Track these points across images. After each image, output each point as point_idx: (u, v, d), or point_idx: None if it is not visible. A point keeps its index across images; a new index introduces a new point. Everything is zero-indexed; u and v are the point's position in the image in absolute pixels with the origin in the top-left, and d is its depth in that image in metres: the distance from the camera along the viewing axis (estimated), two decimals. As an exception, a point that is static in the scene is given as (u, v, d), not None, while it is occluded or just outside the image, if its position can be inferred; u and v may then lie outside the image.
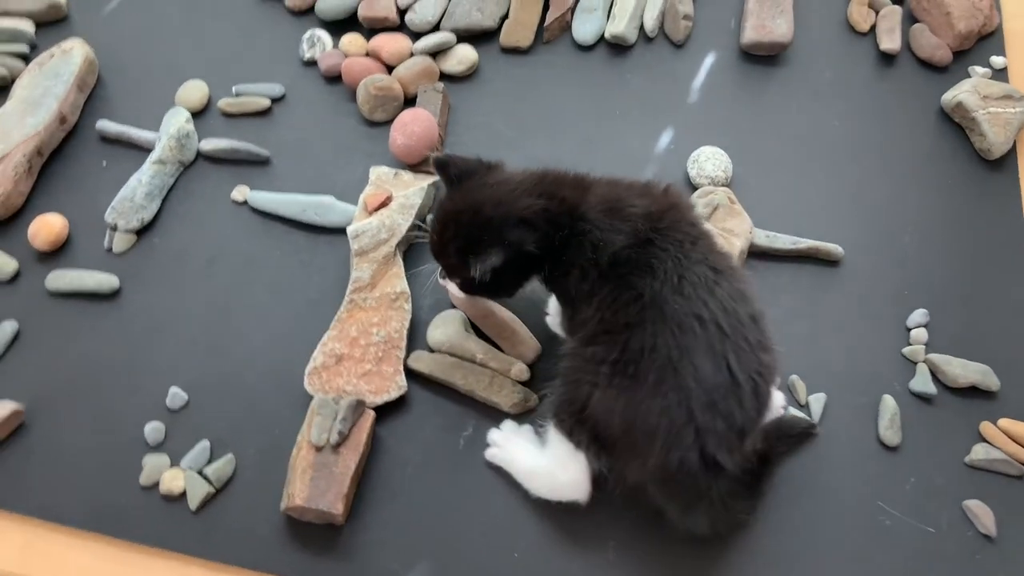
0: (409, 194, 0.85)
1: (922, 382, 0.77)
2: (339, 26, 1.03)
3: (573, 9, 1.03)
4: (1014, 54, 1.00)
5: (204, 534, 0.72)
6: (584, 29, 1.02)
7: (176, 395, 0.78)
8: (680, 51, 1.01)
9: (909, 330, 0.80)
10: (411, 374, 0.78)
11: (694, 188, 0.90)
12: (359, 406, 0.74)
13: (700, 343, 0.61)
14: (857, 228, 0.87)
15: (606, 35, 1.01)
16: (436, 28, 1.02)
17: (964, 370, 0.77)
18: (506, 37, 1.01)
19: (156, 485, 0.74)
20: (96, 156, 0.94)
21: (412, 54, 0.99)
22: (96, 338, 0.82)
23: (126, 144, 0.95)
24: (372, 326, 0.79)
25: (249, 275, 0.86)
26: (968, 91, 0.92)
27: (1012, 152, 0.91)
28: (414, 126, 0.88)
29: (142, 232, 0.89)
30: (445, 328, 0.80)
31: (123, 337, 0.82)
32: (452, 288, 0.75)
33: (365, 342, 0.78)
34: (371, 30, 1.02)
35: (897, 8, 1.01)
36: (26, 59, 1.01)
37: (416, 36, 1.01)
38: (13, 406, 0.76)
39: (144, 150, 0.94)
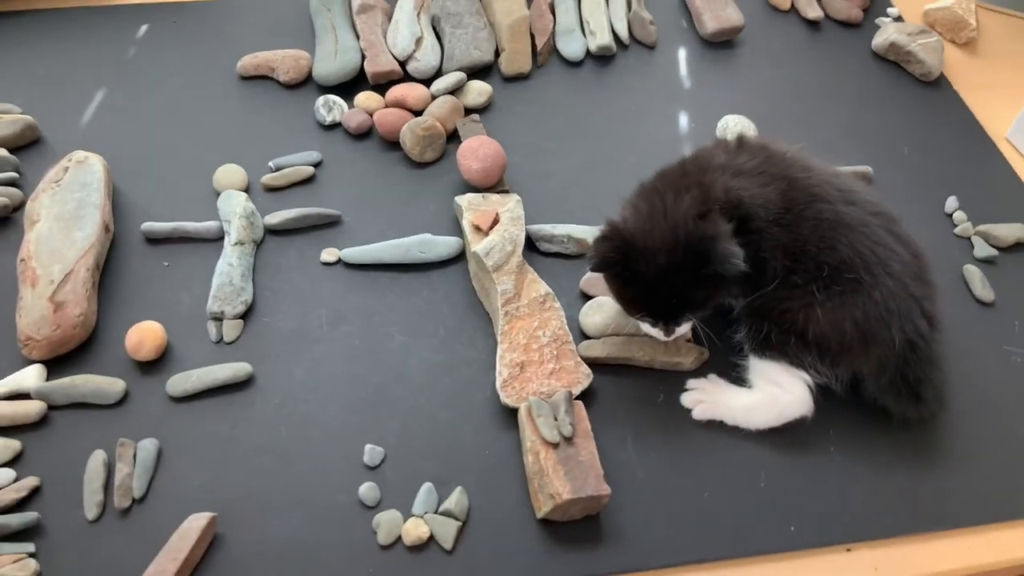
0: (511, 208, 0.88)
1: (983, 249, 0.92)
2: (337, 90, 1.04)
3: (553, 33, 1.12)
4: (900, 3, 1.23)
5: (469, 568, 0.69)
6: (571, 48, 1.11)
7: (373, 451, 0.75)
8: (655, 51, 1.14)
9: (950, 215, 0.96)
10: (587, 363, 0.80)
11: (730, 152, 1.01)
12: (570, 397, 0.75)
13: (884, 234, 0.71)
14: (860, 154, 1.02)
15: (591, 49, 1.11)
16: (439, 72, 1.06)
17: (1008, 231, 0.93)
18: (508, 66, 1.08)
19: (398, 540, 0.70)
20: (145, 259, 0.88)
21: (433, 97, 1.03)
22: (251, 427, 0.76)
23: (178, 241, 0.89)
24: (536, 330, 0.81)
25: (378, 324, 0.84)
26: (895, 33, 1.12)
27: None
28: (484, 150, 0.92)
29: (246, 315, 0.84)
30: (601, 313, 0.83)
31: (279, 417, 0.77)
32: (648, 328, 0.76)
33: (537, 345, 0.80)
34: (376, 86, 1.05)
35: (806, -15, 1.21)
36: (14, 184, 0.92)
37: (422, 82, 1.05)
38: (207, 516, 0.69)
39: (203, 241, 0.89)
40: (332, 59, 1.05)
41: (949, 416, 0.78)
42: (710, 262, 0.69)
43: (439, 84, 1.04)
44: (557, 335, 0.81)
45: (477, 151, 0.92)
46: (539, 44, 1.10)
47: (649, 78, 1.10)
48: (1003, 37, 1.20)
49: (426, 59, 1.06)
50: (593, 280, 0.86)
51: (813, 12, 1.18)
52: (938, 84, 1.12)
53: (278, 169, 0.96)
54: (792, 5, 1.21)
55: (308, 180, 0.96)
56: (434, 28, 1.12)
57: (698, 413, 0.78)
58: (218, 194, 0.92)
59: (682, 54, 1.14)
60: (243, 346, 0.82)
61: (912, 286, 0.71)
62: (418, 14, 1.11)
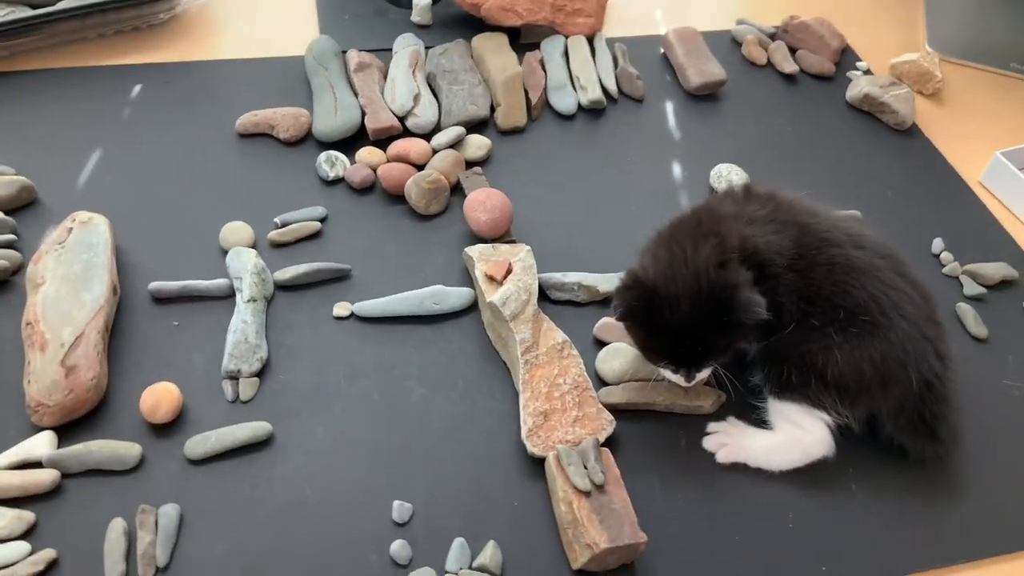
0: (522, 257, 0.90)
1: (971, 287, 0.96)
2: (338, 146, 1.05)
3: (546, 88, 1.15)
4: (868, 58, 1.29)
5: (509, 623, 0.68)
6: (564, 103, 1.14)
7: (401, 507, 0.74)
8: (643, 104, 1.18)
9: (937, 256, 1.00)
10: (608, 409, 0.81)
11: (725, 200, 1.04)
12: (598, 444, 0.76)
13: (894, 276, 0.74)
14: (846, 200, 1.06)
15: (583, 103, 1.15)
16: (438, 127, 1.08)
17: (994, 269, 0.97)
18: (504, 120, 1.11)
19: (434, 597, 0.69)
20: (154, 320, 0.86)
21: (434, 151, 1.04)
22: (273, 487, 0.75)
23: (187, 300, 0.88)
24: (556, 377, 0.81)
25: (396, 378, 0.84)
26: (867, 85, 1.18)
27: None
28: (492, 202, 0.94)
29: (262, 373, 0.82)
30: (619, 358, 0.84)
31: (302, 476, 0.76)
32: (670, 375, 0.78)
33: (559, 393, 0.80)
34: (376, 141, 1.06)
35: (781, 42, 1.27)
36: (12, 247, 0.90)
37: (421, 137, 1.06)
38: (236, 580, 0.67)
39: (213, 299, 0.88)
40: (332, 116, 1.06)
41: (959, 449, 0.80)
42: (733, 310, 0.71)
43: (439, 138, 1.05)
44: (577, 382, 0.81)
45: (484, 203, 0.94)
46: (533, 99, 1.13)
47: (640, 130, 1.14)
48: (966, 88, 1.27)
49: (425, 115, 1.07)
50: (607, 326, 0.88)
51: (789, 67, 1.24)
52: (911, 133, 1.18)
53: (284, 225, 0.96)
54: (768, 61, 1.26)
55: (315, 235, 0.96)
56: (430, 85, 1.14)
57: (722, 456, 0.79)
58: (225, 252, 0.92)
59: (669, 107, 1.18)
60: (261, 405, 0.80)
61: (925, 327, 0.74)
62: (413, 72, 1.13)
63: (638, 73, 1.19)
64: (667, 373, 0.78)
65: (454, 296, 0.89)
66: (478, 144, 1.07)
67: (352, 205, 1.00)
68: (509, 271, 0.88)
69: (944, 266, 0.99)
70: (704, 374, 0.77)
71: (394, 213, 1.00)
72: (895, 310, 0.73)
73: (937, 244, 1.01)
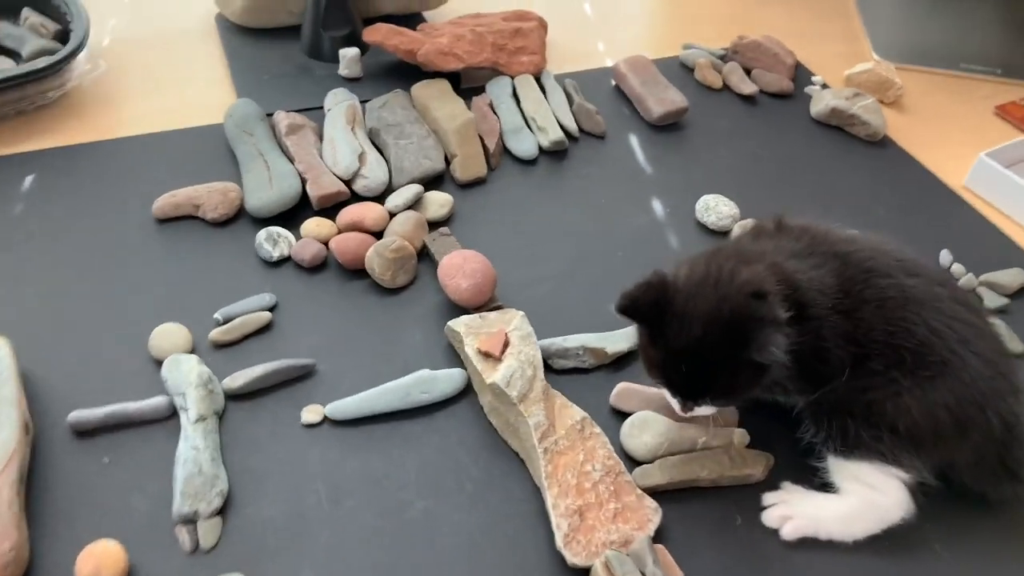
0: (517, 325, 0.77)
1: (993, 299, 0.89)
2: (278, 220, 0.91)
3: (501, 133, 1.05)
4: (820, 72, 1.24)
5: None
6: (523, 147, 1.04)
7: (428, 658, 0.59)
8: (606, 140, 1.09)
9: (947, 269, 0.93)
10: (647, 493, 0.69)
11: (715, 232, 0.95)
12: (651, 542, 0.63)
13: (957, 306, 0.66)
14: (835, 218, 0.99)
15: (543, 145, 1.04)
16: (389, 187, 0.96)
17: (1010, 277, 0.91)
18: (463, 172, 0.99)
19: None
20: (78, 459, 0.70)
21: (391, 215, 0.92)
22: (262, 657, 0.59)
23: (116, 428, 0.72)
24: (583, 464, 0.69)
25: (390, 490, 0.69)
26: (832, 99, 1.12)
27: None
28: (471, 265, 0.81)
29: (224, 509, 0.67)
30: (648, 431, 0.72)
31: (296, 636, 0.60)
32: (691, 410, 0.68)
33: (590, 483, 0.68)
34: (322, 210, 0.93)
35: (734, 64, 1.21)
36: None
37: (373, 200, 0.94)
38: None
39: (149, 423, 0.72)
40: (267, 187, 0.92)
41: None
42: (748, 347, 0.61)
43: (395, 200, 0.93)
44: (608, 467, 0.69)
45: (462, 267, 0.81)
46: (490, 146, 1.02)
47: (609, 168, 1.04)
48: (923, 92, 1.23)
49: (374, 175, 0.95)
50: (626, 393, 0.76)
51: (748, 88, 1.17)
52: (883, 143, 1.12)
53: (227, 320, 0.81)
54: (724, 83, 1.20)
55: (265, 328, 0.81)
56: (373, 142, 1.01)
57: (788, 533, 0.68)
58: (159, 362, 0.76)
59: (634, 140, 1.09)
60: (228, 551, 0.65)
61: (997, 361, 0.65)
62: (353, 129, 1.00)
63: (596, 108, 1.10)
64: (664, 393, 0.69)
65: (444, 381, 0.76)
66: (439, 202, 0.95)
67: (305, 287, 0.86)
68: (507, 344, 0.75)
69: (959, 279, 0.92)
70: (705, 411, 0.68)
71: (356, 291, 0.86)
72: (963, 345, 0.64)
73: (945, 257, 0.94)
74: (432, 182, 0.98)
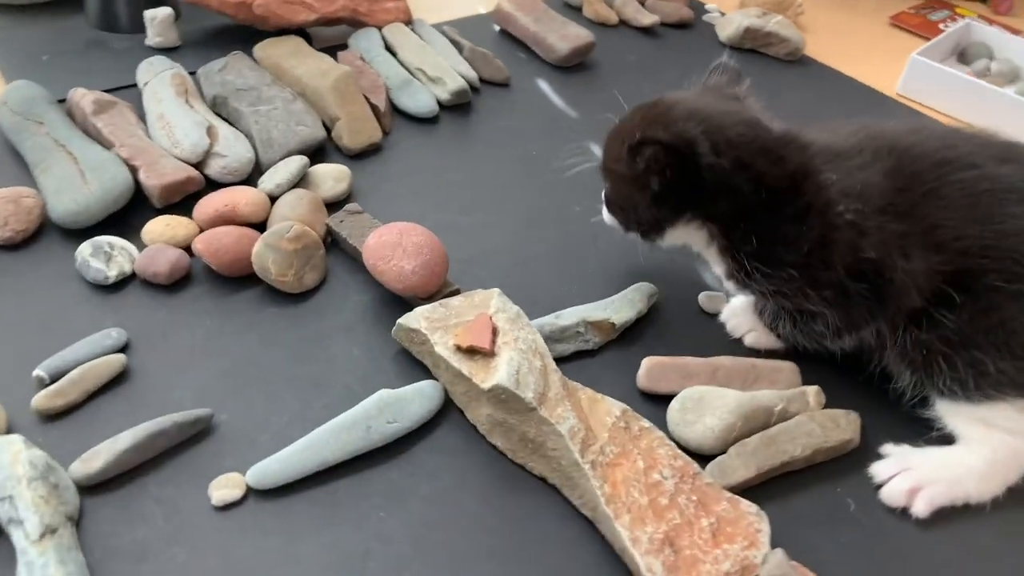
0: (497, 305, 0.56)
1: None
2: (104, 228, 0.64)
3: (387, 91, 0.82)
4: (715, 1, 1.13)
5: None
6: (417, 103, 0.82)
7: None
8: (512, 88, 0.89)
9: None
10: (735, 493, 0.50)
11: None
12: (780, 557, 0.44)
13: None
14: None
15: (443, 99, 0.83)
16: (257, 165, 0.71)
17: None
18: (353, 138, 0.76)
19: None
20: None
21: (273, 198, 0.67)
22: None
23: None
24: (646, 473, 0.48)
25: (389, 559, 0.45)
26: (744, 19, 1.00)
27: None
28: (412, 239, 0.59)
29: (115, 672, 0.40)
30: (709, 412, 0.53)
31: None
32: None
33: (666, 499, 0.47)
34: (168, 206, 0.66)
35: (624, -6, 1.06)
36: None
37: (238, 184, 0.68)
38: None
39: (-49, 558, 0.43)
40: (79, 185, 0.64)
41: None
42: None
43: (273, 179, 0.68)
44: (678, 469, 0.49)
45: (401, 244, 0.58)
46: (379, 105, 0.79)
47: (525, 116, 0.85)
48: (821, 11, 1.15)
49: (234, 152, 0.69)
50: (658, 369, 0.57)
51: (647, 18, 1.03)
52: (804, 62, 1.01)
53: (55, 378, 0.52)
54: (620, 19, 1.04)
55: (119, 378, 0.54)
56: (218, 115, 0.75)
57: (922, 508, 0.51)
58: (-49, 458, 0.47)
59: (543, 85, 0.90)
60: None
61: None
62: (187, 101, 0.74)
63: (492, 53, 0.91)
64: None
65: (414, 400, 0.53)
66: (333, 176, 0.71)
67: (167, 312, 0.59)
68: (495, 331, 0.53)
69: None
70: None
71: (245, 303, 0.60)
72: None
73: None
74: (313, 155, 0.74)
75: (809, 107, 0.92)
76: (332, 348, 0.58)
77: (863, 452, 0.55)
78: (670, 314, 0.64)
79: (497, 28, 0.99)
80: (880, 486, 0.52)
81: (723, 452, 0.52)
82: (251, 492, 0.48)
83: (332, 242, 0.66)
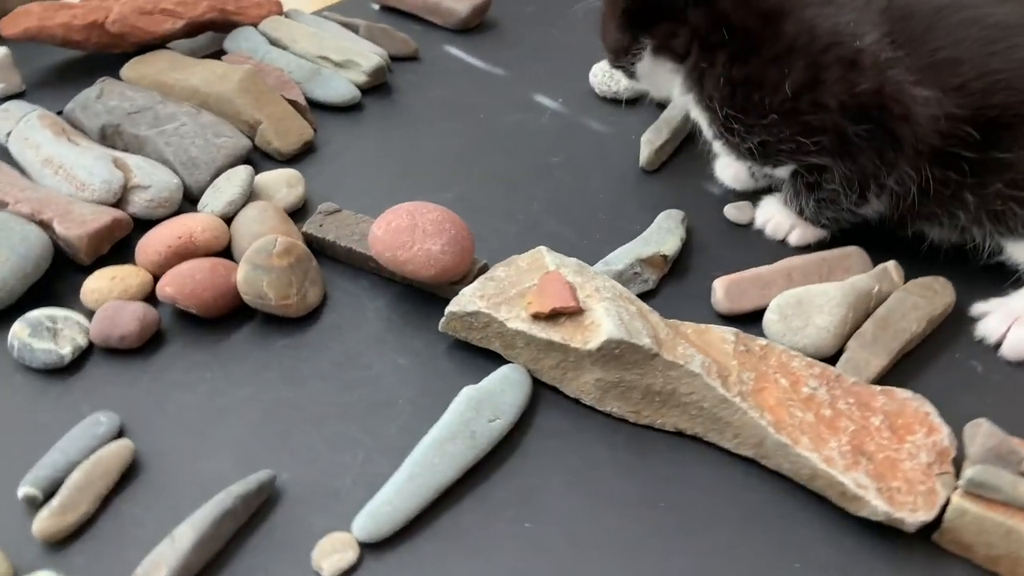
0: (554, 261, 0.49)
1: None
2: (28, 303, 0.50)
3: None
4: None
5: None
6: (334, 90, 0.72)
7: None
8: (422, 61, 0.81)
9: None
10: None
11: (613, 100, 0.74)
12: (987, 426, 0.40)
13: None
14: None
15: (360, 82, 0.74)
16: (187, 190, 0.59)
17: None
18: (284, 140, 0.65)
19: None
20: None
21: (229, 219, 0.56)
22: None
23: None
24: (795, 388, 0.43)
25: (562, 569, 0.37)
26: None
27: None
28: (429, 216, 0.50)
29: None
30: (818, 309, 0.49)
31: None
32: None
33: (829, 410, 0.42)
34: (95, 262, 0.53)
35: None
36: None
37: (168, 217, 0.56)
38: None
39: None
40: (-20, 258, 0.50)
41: None
42: None
43: (219, 198, 0.57)
44: (820, 376, 0.44)
45: (418, 225, 0.50)
46: (298, 99, 0.69)
47: (453, 84, 0.77)
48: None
49: (158, 180, 0.57)
50: (734, 287, 0.52)
51: (524, -31, 0.98)
52: None
53: (51, 492, 0.40)
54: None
55: (131, 471, 0.42)
56: (113, 146, 0.62)
57: (1013, 346, 0.49)
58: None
59: (455, 51, 0.83)
60: None
61: None
62: (68, 140, 0.61)
63: (387, 27, 0.82)
64: None
65: (504, 390, 0.45)
66: (285, 182, 0.60)
67: (149, 378, 0.47)
68: (571, 287, 0.46)
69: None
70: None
71: (246, 343, 0.49)
72: None
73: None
74: (247, 162, 0.62)
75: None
76: (373, 365, 0.48)
77: (956, 315, 0.52)
78: (702, 236, 0.59)
79: (377, 7, 0.91)
80: (997, 345, 0.50)
81: (839, 350, 0.48)
82: (366, 549, 0.38)
83: (315, 253, 0.55)
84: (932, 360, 0.49)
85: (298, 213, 0.60)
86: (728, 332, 0.46)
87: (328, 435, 0.44)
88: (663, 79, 0.57)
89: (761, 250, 0.58)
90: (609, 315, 0.44)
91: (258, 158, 0.66)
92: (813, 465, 0.40)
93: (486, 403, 0.43)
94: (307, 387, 0.47)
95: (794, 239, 0.58)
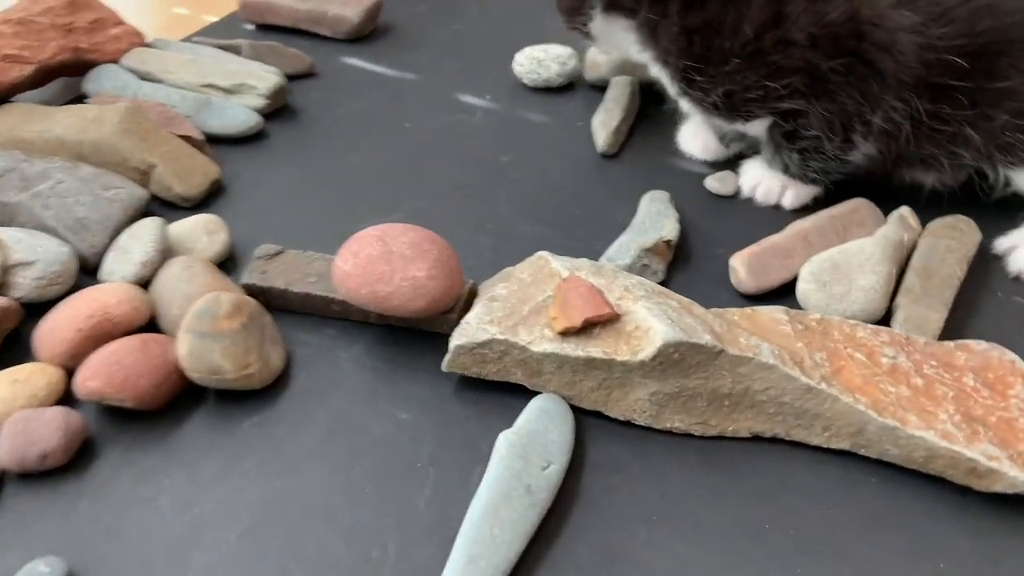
0: (566, 265, 0.41)
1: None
2: None
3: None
4: None
5: None
6: (231, 120, 0.62)
7: None
8: (320, 77, 0.72)
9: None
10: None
11: (560, 86, 0.68)
12: (1093, 367, 0.36)
13: None
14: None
15: (259, 106, 0.64)
16: (82, 262, 0.48)
17: None
18: (187, 184, 0.55)
19: None
20: None
21: (145, 285, 0.45)
22: None
23: None
24: (873, 361, 0.38)
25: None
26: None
27: None
28: (403, 239, 0.42)
29: None
30: (860, 269, 0.44)
31: None
32: None
33: (920, 379, 0.37)
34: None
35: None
36: None
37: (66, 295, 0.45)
38: None
39: None
40: None
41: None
42: None
43: (127, 260, 0.46)
44: (892, 342, 0.39)
45: (395, 252, 0.41)
46: (192, 134, 0.59)
47: (363, 96, 0.69)
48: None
49: (44, 252, 0.46)
50: (756, 263, 0.46)
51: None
52: None
53: None
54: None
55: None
56: (-24, 222, 0.50)
57: None
58: None
59: (355, 60, 0.74)
60: None
61: None
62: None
63: (277, 44, 0.73)
64: None
65: (545, 428, 0.37)
66: (203, 229, 0.50)
67: (88, 501, 0.36)
68: (601, 296, 0.39)
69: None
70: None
71: (203, 433, 0.39)
72: None
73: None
74: (167, 206, 0.52)
75: None
76: (369, 428, 0.39)
77: (980, 254, 0.49)
78: (690, 215, 0.53)
79: (252, 26, 0.81)
80: (1031, 276, 0.47)
81: (887, 310, 0.43)
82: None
83: (265, 297, 0.46)
84: (977, 304, 0.45)
85: (226, 265, 0.50)
86: (777, 311, 0.40)
87: (342, 528, 0.35)
88: (619, 38, 0.53)
89: (757, 219, 0.53)
90: (655, 315, 0.37)
91: (158, 208, 0.55)
92: (930, 444, 0.34)
93: (533, 447, 0.36)
94: (297, 472, 0.37)
95: (788, 201, 0.53)
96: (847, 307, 0.43)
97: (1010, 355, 0.39)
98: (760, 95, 0.48)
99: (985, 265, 0.48)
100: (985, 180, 0.50)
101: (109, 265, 0.47)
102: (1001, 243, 0.49)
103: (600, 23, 0.53)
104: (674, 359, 0.36)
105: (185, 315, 0.40)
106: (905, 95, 0.46)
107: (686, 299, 0.40)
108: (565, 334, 0.38)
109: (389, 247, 0.41)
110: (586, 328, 0.38)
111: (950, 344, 0.40)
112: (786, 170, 0.52)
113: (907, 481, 0.36)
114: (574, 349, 0.37)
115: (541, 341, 0.38)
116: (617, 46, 0.55)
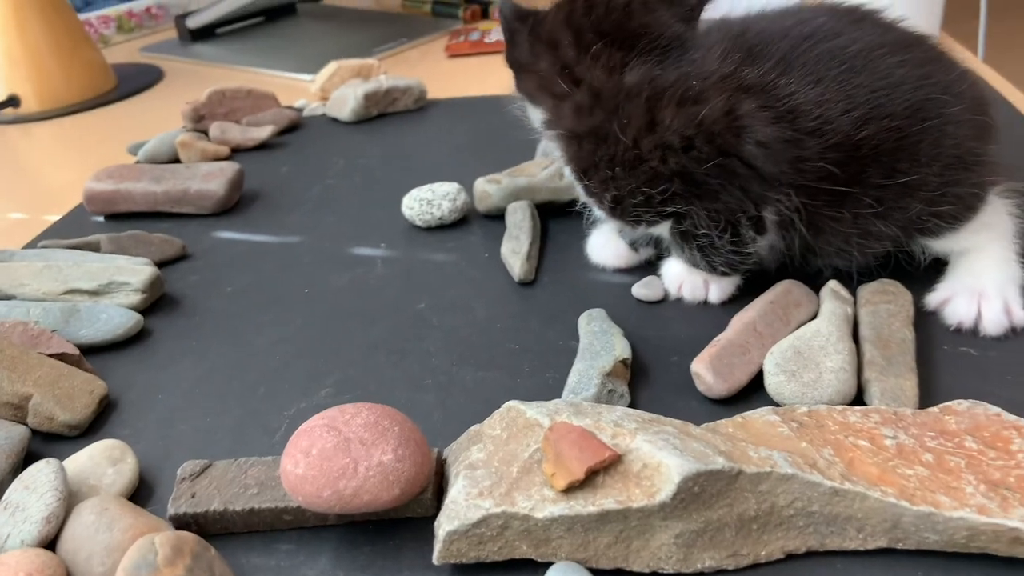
0: (542, 411, 0.38)
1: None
2: None
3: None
4: (287, 97, 1.02)
5: None
6: (107, 325, 0.56)
7: None
8: (194, 258, 0.67)
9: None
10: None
11: (488, 213, 0.67)
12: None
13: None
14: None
15: (134, 303, 0.58)
16: None
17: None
18: (71, 410, 0.48)
19: None
20: None
21: (51, 544, 0.37)
22: None
23: None
24: (877, 446, 0.37)
25: None
26: (353, 91, 0.92)
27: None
28: (352, 424, 0.37)
29: None
30: (820, 352, 0.43)
31: None
32: None
33: (929, 454, 0.36)
34: None
35: (217, 124, 0.89)
36: None
37: None
38: None
39: None
40: None
41: None
42: None
43: (29, 517, 0.38)
44: (886, 421, 0.38)
45: (353, 439, 0.37)
46: (68, 351, 0.52)
47: (248, 268, 0.64)
48: (392, 67, 1.11)
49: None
50: (719, 365, 0.44)
51: (263, 131, 0.88)
52: (432, 103, 0.97)
53: None
54: (231, 148, 0.87)
55: None
56: None
57: (993, 319, 0.47)
58: None
59: (229, 234, 0.70)
60: None
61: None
62: None
63: (139, 233, 0.67)
64: None
65: (577, 603, 0.32)
66: (106, 457, 0.43)
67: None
68: (591, 437, 0.36)
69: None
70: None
71: None
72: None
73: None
74: (27, 459, 0.44)
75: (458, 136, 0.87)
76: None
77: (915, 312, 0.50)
78: (631, 327, 0.51)
79: (101, 218, 0.74)
80: (974, 327, 0.48)
81: (859, 388, 0.43)
82: None
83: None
84: (932, 362, 0.46)
85: (140, 495, 0.43)
86: (768, 413, 0.39)
87: None
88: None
89: (694, 318, 0.52)
90: (660, 448, 0.34)
91: (43, 445, 0.47)
92: (971, 523, 0.33)
93: (572, 635, 0.31)
94: None
95: (714, 296, 0.53)
96: (822, 393, 0.42)
97: (993, 408, 0.39)
98: (642, 201, 0.47)
99: (922, 321, 0.49)
100: (909, 256, 0.51)
101: (2, 529, 0.38)
102: (932, 298, 0.50)
103: (529, 112, 0.54)
104: (694, 492, 0.33)
105: (114, 573, 0.33)
106: (791, 195, 0.47)
107: (678, 420, 0.38)
108: (569, 490, 0.34)
109: (344, 434, 0.36)
110: (588, 478, 0.34)
111: (935, 410, 0.39)
112: (696, 266, 0.52)
113: (953, 565, 0.34)
114: (584, 506, 0.33)
115: (544, 504, 0.34)
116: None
